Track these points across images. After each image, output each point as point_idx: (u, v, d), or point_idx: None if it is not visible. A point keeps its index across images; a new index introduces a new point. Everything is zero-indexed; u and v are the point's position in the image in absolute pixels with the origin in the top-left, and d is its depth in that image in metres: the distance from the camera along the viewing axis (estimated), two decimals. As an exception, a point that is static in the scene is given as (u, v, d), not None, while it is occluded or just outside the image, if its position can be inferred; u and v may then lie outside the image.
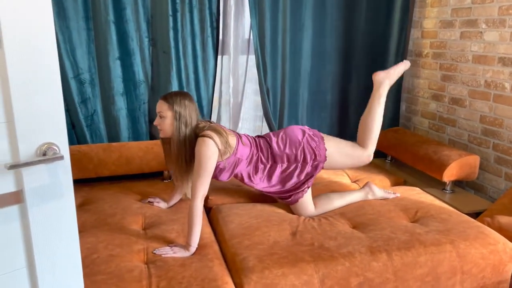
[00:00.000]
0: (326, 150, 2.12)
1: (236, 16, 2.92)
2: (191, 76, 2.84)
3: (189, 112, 1.97)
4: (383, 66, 3.26)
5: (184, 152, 1.99)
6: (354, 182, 2.67)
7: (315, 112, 3.23)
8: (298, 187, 2.15)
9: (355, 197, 2.31)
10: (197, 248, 1.83)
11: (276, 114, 3.11)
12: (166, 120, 1.97)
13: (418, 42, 3.24)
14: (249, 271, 1.66)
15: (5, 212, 0.94)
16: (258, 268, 1.67)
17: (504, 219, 2.08)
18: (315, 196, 2.26)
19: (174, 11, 2.69)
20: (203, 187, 1.90)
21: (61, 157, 0.93)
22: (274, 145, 2.12)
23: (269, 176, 2.14)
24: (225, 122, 3.11)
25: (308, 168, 2.13)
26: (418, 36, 3.24)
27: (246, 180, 2.15)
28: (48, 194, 0.98)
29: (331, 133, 3.32)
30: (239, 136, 2.10)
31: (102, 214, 2.14)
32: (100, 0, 2.54)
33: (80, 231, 1.98)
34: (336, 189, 2.50)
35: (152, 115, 2.84)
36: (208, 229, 2.04)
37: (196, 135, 1.99)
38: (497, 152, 2.62)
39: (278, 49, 2.98)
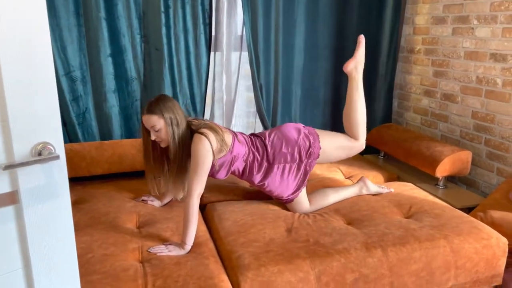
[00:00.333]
0: (320, 148, 2.12)
1: (229, 13, 2.91)
2: (184, 72, 2.82)
3: (176, 112, 1.95)
4: (375, 62, 3.27)
5: (181, 152, 1.97)
6: (348, 178, 2.68)
7: (308, 108, 3.24)
8: (295, 189, 2.15)
9: (349, 192, 2.32)
10: (192, 246, 1.82)
11: (269, 110, 3.10)
12: (162, 130, 1.94)
13: (410, 39, 3.25)
14: (245, 269, 1.66)
15: (0, 213, 0.93)
16: (254, 265, 1.67)
17: (496, 214, 2.10)
18: (309, 193, 2.26)
19: (166, 7, 2.67)
20: (199, 185, 1.89)
21: (57, 157, 0.92)
22: (269, 145, 2.12)
23: (265, 176, 2.13)
24: (218, 119, 3.10)
25: (303, 167, 2.13)
26: (410, 33, 3.25)
27: (243, 176, 2.15)
28: (44, 194, 0.96)
29: (324, 129, 3.31)
30: (235, 134, 2.10)
31: (96, 212, 2.12)
32: (91, -4, 2.52)
33: (74, 230, 1.96)
34: (330, 185, 2.51)
35: (145, 112, 2.81)
36: (203, 227, 2.03)
37: (191, 131, 1.98)
38: (489, 148, 2.64)
39: (271, 45, 2.97)
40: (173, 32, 2.71)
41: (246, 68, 3.02)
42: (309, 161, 2.13)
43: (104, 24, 2.58)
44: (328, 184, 2.53)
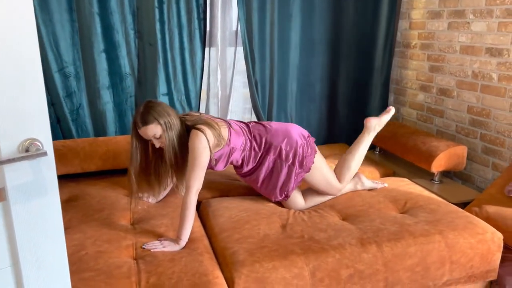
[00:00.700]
0: (313, 163, 2.12)
1: (223, 8, 2.89)
2: (179, 68, 2.80)
3: (168, 114, 1.91)
4: (371, 57, 3.26)
5: (180, 151, 1.95)
6: (344, 173, 2.67)
7: (304, 104, 3.22)
8: (280, 188, 2.14)
9: (344, 188, 2.31)
10: (187, 242, 1.81)
11: (265, 106, 3.09)
12: (162, 135, 1.90)
13: (406, 33, 3.24)
14: (240, 265, 1.65)
15: (-13, 211, 0.92)
16: (248, 261, 1.66)
17: (491, 209, 2.10)
18: (304, 190, 2.26)
19: (160, 2, 2.65)
20: (197, 181, 1.88)
21: (45, 153, 0.91)
22: (272, 132, 2.10)
23: (259, 166, 2.12)
24: (214, 115, 3.08)
25: (293, 173, 2.11)
26: (406, 27, 3.24)
27: (237, 168, 2.15)
28: (32, 191, 0.95)
29: (320, 125, 3.33)
30: (229, 124, 2.08)
31: (90, 209, 2.10)
32: (84, -9, 2.49)
33: (67, 228, 1.94)
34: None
35: (139, 109, 2.80)
36: (198, 223, 2.02)
37: (187, 127, 1.96)
38: (485, 142, 2.64)
39: (266, 40, 2.95)
40: (167, 28, 2.69)
41: (241, 64, 3.00)
42: (299, 170, 2.11)
43: (97, 20, 2.56)
44: (323, 180, 2.52)
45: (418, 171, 2.82)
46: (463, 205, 2.32)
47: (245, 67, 2.95)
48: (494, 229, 1.93)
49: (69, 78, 2.60)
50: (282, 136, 2.10)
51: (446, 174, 2.87)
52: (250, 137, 2.10)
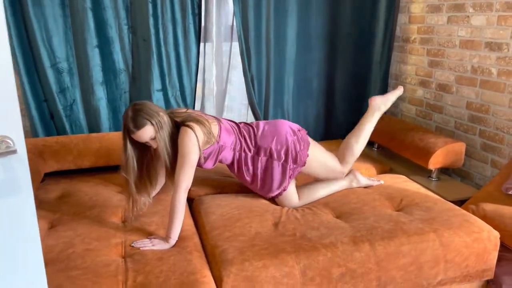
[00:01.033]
0: (307, 156, 2.08)
1: (218, 2, 2.85)
2: (173, 64, 2.77)
3: (157, 113, 1.86)
4: (370, 51, 3.21)
5: (172, 148, 1.90)
6: (340, 170, 2.63)
7: (301, 99, 3.18)
8: (276, 187, 2.10)
9: (339, 185, 2.28)
10: (176, 241, 1.79)
11: (261, 102, 3.05)
12: (155, 136, 1.86)
13: (405, 28, 3.19)
14: (229, 264, 1.62)
15: (-43, 210, 0.89)
16: (237, 260, 1.64)
17: (489, 207, 2.06)
18: (299, 187, 2.23)
19: (154, -3, 2.62)
20: (186, 179, 1.85)
21: (14, 151, 0.88)
22: (259, 135, 2.07)
23: (252, 166, 2.09)
24: (209, 111, 3.06)
25: (288, 170, 2.08)
26: (405, 21, 3.18)
27: (231, 167, 2.12)
28: (4, 190, 0.92)
29: (317, 121, 3.29)
30: (220, 122, 2.05)
31: (81, 206, 2.09)
32: (76, -15, 2.46)
33: (57, 225, 1.93)
34: (321, 178, 2.47)
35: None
36: (189, 221, 1.99)
37: (176, 124, 1.93)
38: (484, 139, 2.59)
39: (262, 35, 2.91)
40: (161, 23, 2.65)
41: (237, 59, 2.96)
42: (294, 166, 2.08)
43: (90, 15, 2.53)
44: (319, 177, 2.48)
45: (416, 168, 2.77)
46: (461, 202, 2.28)
47: (240, 63, 2.91)
48: (490, 228, 1.89)
49: (62, 73, 2.58)
50: (270, 137, 2.06)
51: (445, 171, 2.82)
52: (240, 138, 2.07)
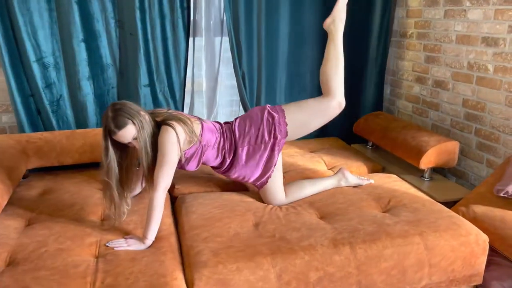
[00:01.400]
0: (286, 124, 2.00)
1: (208, -4, 2.78)
2: (161, 59, 2.71)
3: (138, 112, 1.80)
4: (365, 46, 3.13)
5: (152, 148, 1.84)
6: (330, 169, 2.57)
7: (294, 96, 3.10)
8: (263, 171, 2.05)
9: (327, 184, 2.22)
10: (153, 241, 1.74)
11: (253, 98, 2.98)
12: (137, 136, 1.80)
13: (403, 22, 3.09)
14: (202, 266, 1.57)
15: None
16: (211, 262, 1.58)
17: (479, 209, 1.98)
18: (286, 184, 2.17)
19: (141, -11, 2.55)
20: (165, 179, 1.81)
21: None
22: (236, 129, 2.03)
23: (233, 161, 2.04)
24: (199, 108, 3.00)
25: (270, 146, 2.01)
26: (403, 15, 3.09)
27: (214, 168, 2.09)
28: None
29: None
30: (203, 121, 2.01)
31: (61, 204, 2.05)
32: (60, -22, 2.41)
33: (33, 223, 1.90)
34: (309, 176, 2.40)
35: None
36: (169, 220, 1.94)
37: (157, 123, 1.88)
38: (479, 138, 2.50)
39: (253, 30, 2.83)
40: (149, 17, 2.59)
41: (227, 54, 2.89)
42: (277, 140, 2.00)
43: (75, 8, 2.47)
44: (307, 175, 2.42)
45: (409, 167, 2.68)
46: (453, 203, 2.19)
47: (231, 58, 2.84)
48: (479, 231, 1.81)
49: (48, 68, 2.53)
50: (244, 124, 2.03)
51: (439, 170, 2.74)
52: (224, 136, 2.02)
